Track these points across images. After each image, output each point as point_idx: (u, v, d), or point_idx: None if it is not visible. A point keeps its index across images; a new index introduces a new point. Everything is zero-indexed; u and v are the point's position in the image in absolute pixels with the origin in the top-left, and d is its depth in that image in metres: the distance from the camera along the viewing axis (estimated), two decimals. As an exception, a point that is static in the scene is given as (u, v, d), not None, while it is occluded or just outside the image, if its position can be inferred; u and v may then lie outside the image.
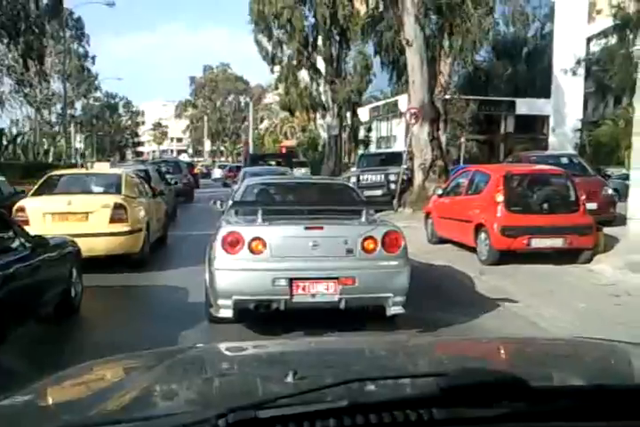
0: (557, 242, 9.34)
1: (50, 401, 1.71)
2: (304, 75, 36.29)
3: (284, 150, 54.87)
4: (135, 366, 1.92)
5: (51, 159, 53.30)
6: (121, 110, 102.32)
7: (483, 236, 9.68)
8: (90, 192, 9.97)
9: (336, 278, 5.65)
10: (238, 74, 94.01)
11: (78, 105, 72.80)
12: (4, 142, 49.11)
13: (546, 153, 18.99)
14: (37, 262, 5.74)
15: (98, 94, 76.11)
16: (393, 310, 5.81)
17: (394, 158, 20.08)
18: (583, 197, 9.62)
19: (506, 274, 9.01)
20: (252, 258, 5.68)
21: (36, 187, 10.12)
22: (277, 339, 5.20)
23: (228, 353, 2.12)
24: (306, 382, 1.41)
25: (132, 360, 2.04)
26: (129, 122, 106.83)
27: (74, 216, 9.14)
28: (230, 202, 7.13)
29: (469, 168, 11.69)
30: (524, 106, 42.05)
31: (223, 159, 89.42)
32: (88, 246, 8.16)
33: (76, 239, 7.63)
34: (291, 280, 5.63)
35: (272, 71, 36.74)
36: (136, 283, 8.49)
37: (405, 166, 18.30)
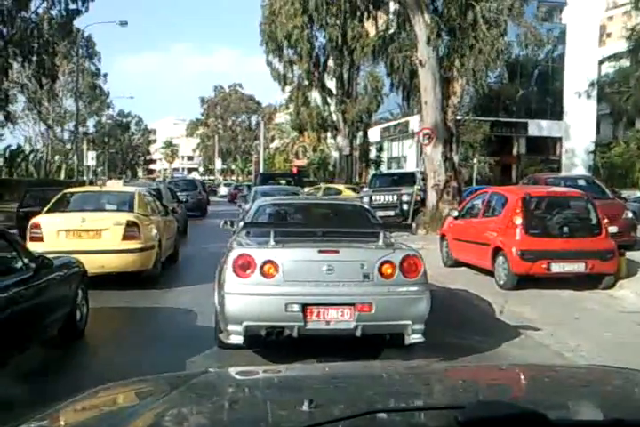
0: (578, 267, 9.04)
1: None
2: (315, 95, 36.32)
3: (295, 170, 54.96)
4: (148, 391, 1.88)
5: (62, 176, 53.63)
6: (133, 128, 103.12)
7: (501, 259, 9.40)
8: (103, 210, 10.10)
9: (352, 305, 5.39)
10: (249, 93, 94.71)
11: (90, 123, 73.35)
12: (18, 160, 49.55)
13: (562, 175, 18.73)
14: (41, 284, 5.50)
15: (110, 112, 76.65)
16: (412, 338, 5.51)
17: (406, 179, 19.92)
18: (606, 221, 9.33)
19: (525, 300, 8.71)
20: (264, 282, 5.43)
21: (50, 204, 10.20)
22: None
23: (240, 378, 2.08)
24: (322, 412, 1.39)
25: (145, 385, 2.00)
26: (140, 140, 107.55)
27: (87, 233, 9.23)
28: (241, 223, 6.78)
29: (486, 190, 11.43)
30: (536, 127, 41.97)
31: (234, 178, 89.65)
32: (101, 263, 8.60)
33: (89, 256, 7.99)
34: (304, 306, 5.37)
35: (283, 91, 36.83)
36: (145, 302, 8.34)
37: (419, 187, 18.06)
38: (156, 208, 11.22)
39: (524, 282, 9.29)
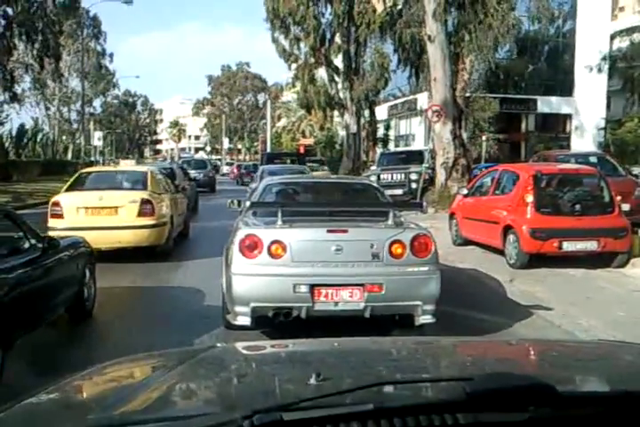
0: (590, 245, 8.89)
1: (74, 400, 1.68)
2: (321, 72, 35.93)
3: (302, 149, 54.62)
4: (157, 365, 1.89)
5: (70, 157, 53.58)
6: (139, 108, 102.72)
7: (511, 238, 9.26)
8: (119, 188, 10.40)
9: (361, 285, 5.29)
10: (256, 72, 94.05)
11: (97, 103, 73.11)
12: (25, 140, 49.45)
13: (573, 152, 18.46)
14: (48, 264, 5.48)
15: (116, 92, 76.28)
16: (422, 319, 5.41)
17: (414, 157, 19.70)
18: (619, 198, 9.16)
19: (536, 279, 8.58)
20: (272, 263, 5.33)
21: (69, 183, 10.58)
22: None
23: (248, 353, 2.09)
24: (329, 385, 1.41)
25: (154, 360, 2.02)
26: (147, 120, 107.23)
27: (104, 210, 9.63)
28: (248, 202, 6.51)
29: (496, 167, 11.25)
30: (546, 104, 41.40)
31: (241, 157, 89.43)
32: (117, 238, 9.32)
33: (106, 231, 9.01)
34: (312, 287, 5.27)
35: (289, 69, 36.43)
36: (158, 275, 8.70)
37: (427, 165, 17.87)
38: (168, 186, 11.56)
39: (534, 261, 9.16)
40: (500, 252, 9.82)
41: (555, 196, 9.12)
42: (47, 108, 52.32)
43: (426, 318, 5.40)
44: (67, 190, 10.23)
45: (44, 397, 1.61)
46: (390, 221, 5.58)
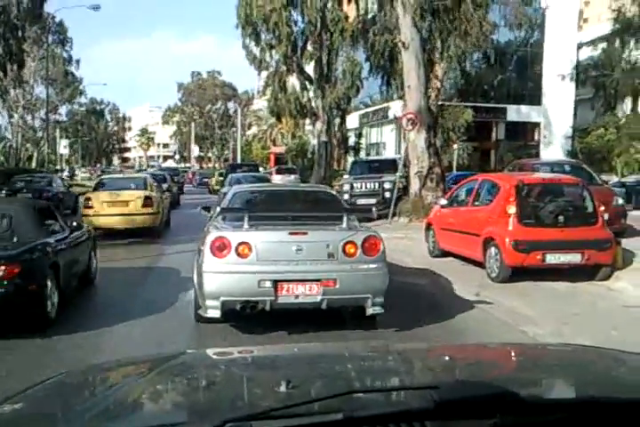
0: (574, 258, 8.56)
1: (40, 409, 1.64)
2: (292, 80, 35.52)
3: (272, 157, 54.13)
4: (127, 373, 1.89)
5: (34, 165, 52.23)
6: (107, 116, 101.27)
7: (493, 251, 8.90)
8: (128, 188, 15.13)
9: (318, 280, 5.93)
10: (227, 80, 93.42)
11: (63, 110, 71.61)
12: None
13: (549, 160, 18.27)
14: (74, 242, 7.90)
15: (83, 100, 74.76)
16: (372, 310, 6.07)
17: (387, 165, 19.34)
18: (602, 209, 8.87)
19: (520, 293, 8.22)
20: (239, 261, 5.93)
21: (95, 185, 16.51)
22: (264, 342, 5.71)
23: (218, 359, 2.10)
24: (299, 393, 1.43)
25: (125, 367, 2.02)
26: (115, 128, 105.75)
27: (120, 203, 14.42)
28: (218, 208, 7.43)
29: (475, 177, 10.92)
30: (515, 113, 41.60)
31: (210, 165, 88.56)
32: (128, 221, 14.19)
33: (122, 217, 14.13)
34: (275, 282, 5.90)
35: (259, 76, 35.97)
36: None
37: (400, 174, 17.54)
38: (159, 188, 17.04)
39: (516, 274, 8.80)
40: (480, 264, 9.46)
41: (537, 206, 8.78)
42: (10, 116, 50.77)
43: (375, 309, 6.08)
44: (93, 190, 15.69)
45: (7, 407, 1.59)
46: (344, 225, 6.24)
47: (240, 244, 5.92)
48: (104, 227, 13.88)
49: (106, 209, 14.19)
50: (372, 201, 17.32)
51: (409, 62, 16.57)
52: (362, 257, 6.02)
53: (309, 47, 33.50)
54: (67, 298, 7.13)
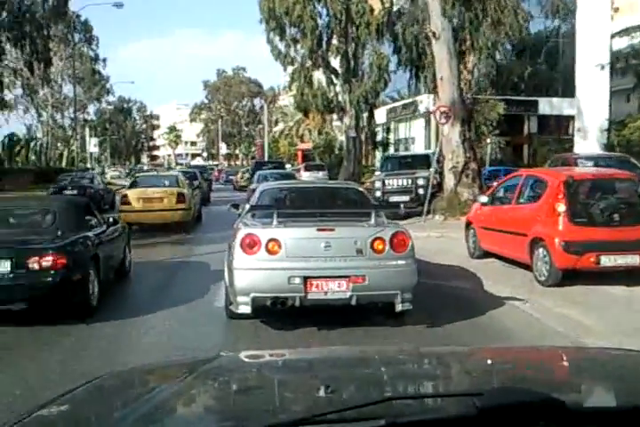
0: (632, 260, 7.86)
1: (83, 413, 1.66)
2: (318, 75, 34.93)
3: (300, 153, 53.61)
4: (164, 376, 1.91)
5: (64, 164, 52.45)
6: (135, 114, 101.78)
7: (541, 252, 8.23)
8: (162, 186, 16.06)
9: (347, 277, 5.94)
10: (252, 77, 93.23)
11: (91, 109, 71.94)
12: (17, 148, 48.38)
13: (593, 154, 17.41)
14: (111, 236, 8.36)
15: (111, 98, 75.07)
16: (401, 306, 6.08)
17: (420, 161, 18.67)
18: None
19: (573, 299, 7.54)
20: (269, 258, 5.99)
21: (130, 183, 17.68)
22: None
23: (254, 363, 2.11)
24: (338, 398, 1.44)
25: (160, 371, 2.05)
26: (144, 126, 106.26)
27: (155, 199, 15.29)
28: (247, 206, 7.59)
29: (519, 173, 10.23)
30: (547, 106, 40.43)
31: (238, 162, 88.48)
32: (163, 216, 15.04)
33: (156, 212, 14.89)
34: (305, 278, 5.92)
35: (285, 71, 35.25)
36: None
37: (434, 170, 16.88)
38: (191, 185, 18.10)
39: (566, 277, 8.13)
40: (527, 266, 8.81)
41: (589, 204, 8.08)
42: (39, 115, 51.00)
43: (405, 306, 6.09)
44: (129, 188, 16.58)
45: (54, 409, 1.62)
46: (372, 221, 6.26)
47: (270, 240, 5.99)
48: (140, 222, 14.80)
49: (141, 205, 15.12)
50: (405, 198, 16.69)
51: (440, 53, 15.87)
52: (390, 253, 6.05)
53: (335, 41, 32.88)
54: (105, 289, 7.61)
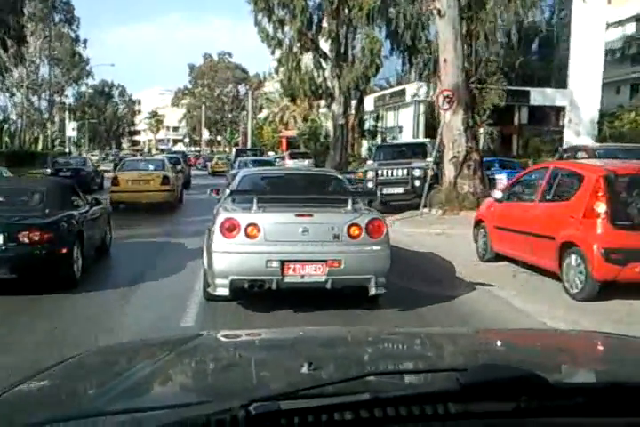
0: (684, 271, 6.62)
1: (65, 387, 1.64)
2: (307, 59, 33.43)
3: (284, 141, 52.19)
4: (146, 353, 1.90)
5: (40, 147, 50.44)
6: (117, 99, 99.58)
7: (573, 259, 6.97)
8: (149, 169, 17.47)
9: (324, 261, 6.08)
10: (239, 63, 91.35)
11: (69, 92, 69.61)
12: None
13: (611, 146, 16.18)
14: (94, 215, 8.96)
15: (90, 81, 72.74)
16: (375, 290, 6.22)
17: (415, 150, 17.39)
18: None
19: (614, 317, 6.29)
20: (248, 242, 6.11)
21: (119, 166, 19.15)
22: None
23: (236, 341, 2.11)
24: (322, 374, 1.45)
25: (143, 347, 2.04)
26: (125, 110, 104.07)
27: (142, 181, 16.58)
28: (227, 191, 7.70)
29: (546, 164, 8.96)
30: (539, 96, 39.37)
31: (221, 149, 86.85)
32: (149, 197, 16.29)
33: (143, 193, 16.26)
34: (282, 262, 6.06)
35: (272, 54, 33.65)
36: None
37: (431, 160, 15.62)
38: (174, 169, 19.20)
39: (603, 290, 6.88)
40: (552, 274, 7.56)
41: (634, 204, 6.82)
42: (11, 95, 48.78)
43: (379, 290, 6.24)
44: (119, 170, 17.98)
45: (34, 384, 1.61)
46: (349, 207, 6.40)
47: (249, 225, 6.12)
48: (128, 201, 16.51)
49: (130, 186, 16.54)
50: (400, 190, 15.44)
51: (445, 33, 14.54)
52: (366, 239, 6.21)
53: (325, 23, 31.36)
54: (87, 264, 8.18)
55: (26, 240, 7.02)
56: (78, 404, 1.42)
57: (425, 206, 14.43)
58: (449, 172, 14.65)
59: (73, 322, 6.23)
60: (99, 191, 21.40)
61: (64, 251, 7.33)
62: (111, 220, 10.51)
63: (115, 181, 16.89)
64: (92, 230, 8.69)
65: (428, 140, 17.84)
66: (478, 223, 9.55)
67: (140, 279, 8.03)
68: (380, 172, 15.79)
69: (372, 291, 6.21)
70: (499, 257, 9.04)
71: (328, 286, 6.11)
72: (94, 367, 1.82)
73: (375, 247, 6.25)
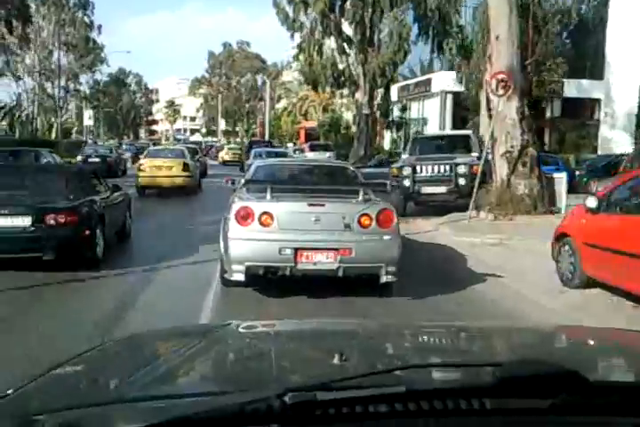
0: None
1: (98, 374, 1.65)
2: (329, 44, 31.31)
3: (302, 132, 50.20)
4: (176, 342, 1.88)
5: (53, 135, 48.83)
6: (134, 88, 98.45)
7: None
8: (171, 157, 19.67)
9: (335, 249, 6.31)
10: (257, 52, 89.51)
11: (84, 79, 67.83)
12: None
13: None
14: (114, 200, 9.78)
15: (106, 69, 71.01)
16: (386, 278, 6.39)
17: (458, 143, 15.26)
18: None
19: None
20: (262, 230, 6.34)
21: (144, 153, 21.39)
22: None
23: (266, 331, 2.11)
24: (354, 366, 1.46)
25: (172, 335, 2.05)
26: (142, 100, 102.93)
27: (165, 168, 18.81)
28: (242, 180, 7.88)
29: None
30: (573, 88, 37.03)
31: (238, 140, 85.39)
32: (172, 181, 18.64)
33: (166, 178, 18.60)
34: (295, 250, 6.28)
35: (292, 37, 31.41)
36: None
37: (477, 154, 13.51)
38: (192, 157, 21.45)
39: None
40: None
41: None
42: (18, 79, 46.93)
43: (389, 278, 6.42)
44: (144, 157, 20.02)
45: (69, 368, 1.64)
46: (360, 198, 6.63)
47: (263, 213, 6.36)
48: (152, 185, 18.64)
49: (154, 172, 18.50)
50: (442, 189, 13.37)
51: (498, 5, 12.38)
52: (376, 229, 6.41)
53: (349, 5, 29.19)
54: (108, 246, 8.66)
55: (52, 222, 7.68)
56: (111, 390, 1.42)
57: (474, 209, 12.35)
58: (501, 169, 12.52)
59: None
60: (123, 176, 24.97)
61: (87, 233, 7.99)
62: (130, 205, 11.08)
63: (141, 167, 18.95)
64: (112, 215, 9.27)
65: (469, 131, 15.69)
66: (561, 238, 7.42)
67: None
68: (418, 168, 13.68)
69: (383, 279, 6.39)
70: (589, 282, 6.95)
71: (339, 273, 6.31)
72: (126, 355, 1.83)
73: (385, 237, 6.44)
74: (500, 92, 11.88)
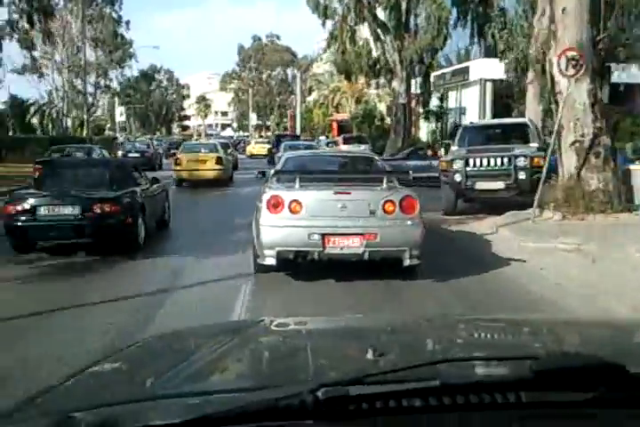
0: None
1: (135, 371, 1.67)
2: (363, 30, 29.69)
3: (335, 125, 48.70)
4: (209, 338, 1.90)
5: (85, 133, 48.22)
6: (165, 84, 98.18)
7: None
8: (205, 151, 21.31)
9: (361, 234, 6.71)
10: (286, 45, 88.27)
11: (113, 75, 67.30)
12: (29, 114, 44.25)
13: None
14: (154, 192, 10.58)
15: (135, 65, 70.44)
16: (409, 261, 6.78)
17: (513, 132, 13.61)
18: None
19: None
20: (292, 217, 6.77)
21: (180, 149, 22.86)
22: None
23: (298, 328, 2.12)
24: (388, 361, 1.43)
25: (205, 332, 2.06)
26: (174, 95, 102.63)
27: (200, 161, 20.41)
28: (272, 171, 8.28)
29: None
30: (622, 72, 34.80)
31: (269, 134, 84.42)
32: (206, 174, 20.13)
33: (201, 171, 20.11)
34: (323, 235, 6.70)
35: (323, 25, 29.85)
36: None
37: (538, 145, 11.89)
38: (225, 151, 23.04)
39: None
40: None
41: None
42: (40, 75, 46.24)
43: (413, 261, 6.81)
44: (181, 152, 21.42)
45: (107, 365, 1.68)
46: (385, 185, 7.05)
47: (292, 201, 6.77)
48: (189, 178, 19.95)
49: (190, 165, 19.90)
50: (500, 185, 11.79)
51: (564, -28, 10.69)
52: (399, 214, 6.80)
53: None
54: (149, 234, 9.63)
55: (98, 211, 8.58)
56: (147, 387, 1.43)
57: (538, 207, 10.75)
58: (569, 161, 10.87)
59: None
60: (160, 169, 26.93)
61: (130, 221, 8.84)
62: (169, 196, 11.79)
63: (177, 162, 20.38)
64: (152, 205, 10.04)
65: (527, 119, 14.04)
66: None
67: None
68: (471, 161, 12.10)
69: (407, 262, 6.75)
70: None
71: (365, 257, 6.70)
72: (160, 351, 1.85)
73: (408, 222, 6.81)
74: (571, 71, 10.22)
